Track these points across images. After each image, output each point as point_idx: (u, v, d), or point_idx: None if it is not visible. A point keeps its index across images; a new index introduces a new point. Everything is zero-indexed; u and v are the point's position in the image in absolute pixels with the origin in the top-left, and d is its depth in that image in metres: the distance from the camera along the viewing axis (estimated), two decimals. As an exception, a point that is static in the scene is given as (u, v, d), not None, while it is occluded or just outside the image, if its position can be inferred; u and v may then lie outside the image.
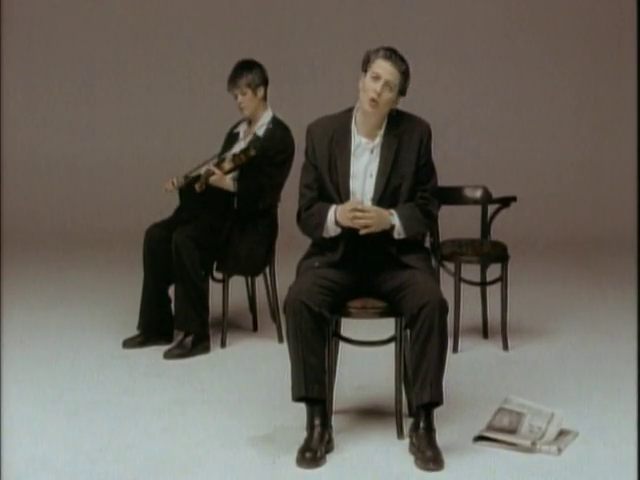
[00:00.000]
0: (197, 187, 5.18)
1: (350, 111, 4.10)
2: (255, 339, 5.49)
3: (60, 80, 8.85)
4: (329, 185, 4.04)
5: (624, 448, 3.86)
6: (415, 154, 4.04)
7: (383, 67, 3.97)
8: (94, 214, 8.48)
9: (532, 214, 8.16)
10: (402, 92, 4.03)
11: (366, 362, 4.66)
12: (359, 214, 3.91)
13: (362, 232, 3.92)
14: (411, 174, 4.03)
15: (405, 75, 4.00)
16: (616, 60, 8.66)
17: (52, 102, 8.85)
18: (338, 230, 3.99)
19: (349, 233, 3.98)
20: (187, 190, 5.31)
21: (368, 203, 4.00)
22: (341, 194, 4.01)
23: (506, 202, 5.48)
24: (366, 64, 4.01)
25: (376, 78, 3.96)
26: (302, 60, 8.71)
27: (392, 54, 4.00)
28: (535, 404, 4.07)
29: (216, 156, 5.42)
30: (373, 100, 3.96)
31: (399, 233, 4.00)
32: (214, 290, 5.34)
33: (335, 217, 3.96)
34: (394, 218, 3.98)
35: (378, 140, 4.04)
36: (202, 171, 5.29)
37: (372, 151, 4.04)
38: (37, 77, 8.85)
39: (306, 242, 4.19)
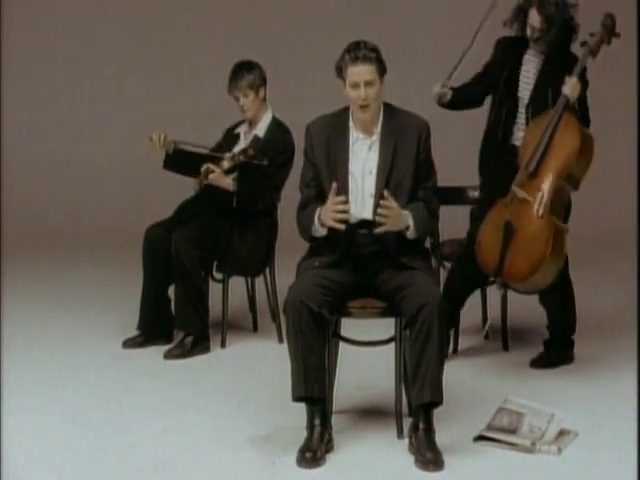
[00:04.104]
0: (198, 184, 5.19)
1: (347, 109, 4.08)
2: (255, 339, 5.49)
3: (60, 79, 8.83)
4: (327, 182, 4.01)
5: (624, 448, 3.86)
6: (414, 150, 4.01)
7: (357, 73, 3.90)
8: (94, 214, 8.46)
9: (532, 214, 8.13)
10: (383, 73, 3.95)
11: (366, 362, 4.65)
12: (385, 203, 3.84)
13: (378, 230, 3.89)
14: (411, 171, 4.01)
15: (379, 60, 3.93)
16: (616, 58, 8.63)
17: (52, 102, 8.82)
18: (324, 231, 3.98)
19: (348, 232, 3.98)
20: (187, 181, 5.32)
21: (369, 200, 3.99)
22: (340, 191, 3.97)
23: (506, 202, 5.45)
24: (340, 74, 3.96)
25: (355, 86, 3.91)
26: (302, 60, 8.70)
27: (357, 52, 3.89)
28: (535, 404, 4.07)
29: (213, 148, 5.42)
30: (364, 106, 3.94)
31: (411, 233, 3.98)
32: (214, 290, 5.34)
33: (320, 218, 3.94)
34: (409, 219, 3.96)
35: (376, 137, 4.03)
36: (191, 149, 5.26)
37: (370, 147, 4.03)
38: (37, 77, 8.83)
39: (306, 242, 4.19)
